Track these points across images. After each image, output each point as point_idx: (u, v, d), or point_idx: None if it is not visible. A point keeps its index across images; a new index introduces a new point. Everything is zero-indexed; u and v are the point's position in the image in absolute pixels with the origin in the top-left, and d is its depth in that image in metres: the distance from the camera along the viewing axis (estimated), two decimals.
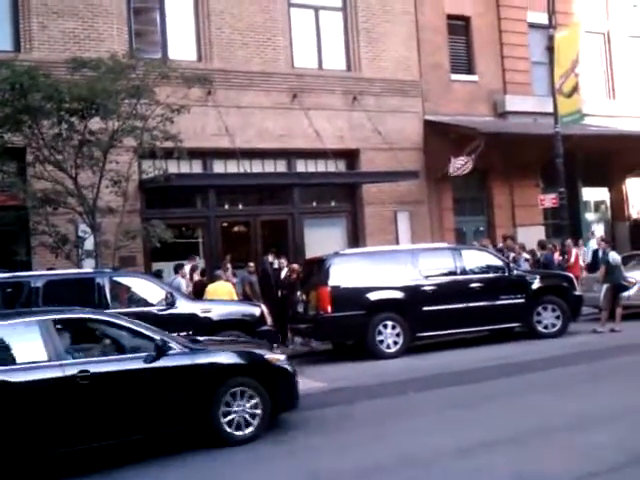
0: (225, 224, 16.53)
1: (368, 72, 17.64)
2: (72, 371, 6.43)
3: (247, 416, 7.10)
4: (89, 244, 12.42)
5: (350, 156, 17.56)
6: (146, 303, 10.53)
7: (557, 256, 16.39)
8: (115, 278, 10.62)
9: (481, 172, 18.79)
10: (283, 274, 14.20)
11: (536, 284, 13.31)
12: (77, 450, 6.55)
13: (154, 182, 13.61)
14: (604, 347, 11.60)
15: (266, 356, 7.56)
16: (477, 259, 13.44)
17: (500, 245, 16.90)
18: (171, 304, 10.45)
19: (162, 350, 6.75)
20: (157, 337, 6.88)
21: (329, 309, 11.97)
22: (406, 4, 18.26)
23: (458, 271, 12.95)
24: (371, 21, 17.77)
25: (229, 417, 7.03)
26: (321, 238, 16.48)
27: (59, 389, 6.38)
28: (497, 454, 6.17)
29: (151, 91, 12.31)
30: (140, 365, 6.72)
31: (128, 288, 10.81)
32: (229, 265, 14.00)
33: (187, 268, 13.50)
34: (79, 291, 10.21)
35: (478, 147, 16.88)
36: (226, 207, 16.35)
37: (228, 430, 7.02)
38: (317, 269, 12.67)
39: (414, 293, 12.40)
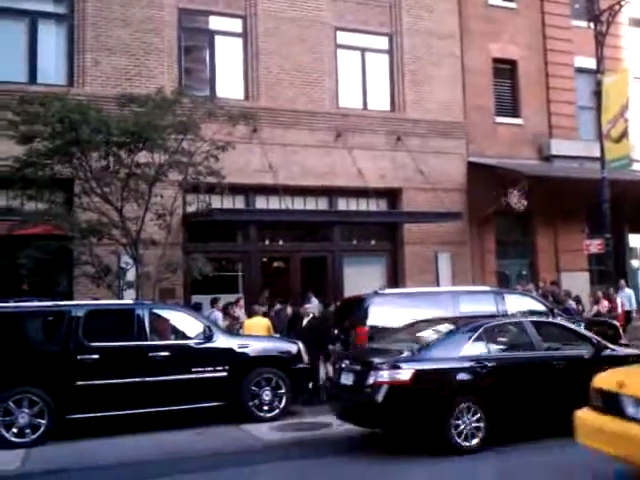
0: (265, 259, 16.59)
1: (412, 113, 17.69)
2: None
3: None
4: (131, 275, 12.55)
5: (392, 195, 17.53)
6: (184, 336, 10.54)
7: (605, 304, 15.96)
8: (155, 310, 10.68)
9: (525, 215, 18.55)
10: (305, 321, 12.77)
11: None
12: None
13: (197, 216, 13.74)
14: None
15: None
16: (520, 304, 13.12)
17: (541, 289, 16.52)
18: (209, 338, 10.43)
19: (600, 348, 9.10)
20: (594, 340, 9.27)
21: None
22: (452, 47, 18.36)
23: (500, 315, 12.67)
24: (417, 63, 17.89)
25: None
26: (360, 277, 16.38)
27: (542, 369, 8.75)
28: None
29: (197, 127, 12.52)
30: (585, 357, 8.94)
31: (167, 320, 10.83)
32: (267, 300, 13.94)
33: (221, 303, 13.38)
34: (119, 321, 10.30)
35: (523, 188, 16.70)
36: (267, 242, 16.44)
37: None
38: (356, 308, 12.53)
39: None
